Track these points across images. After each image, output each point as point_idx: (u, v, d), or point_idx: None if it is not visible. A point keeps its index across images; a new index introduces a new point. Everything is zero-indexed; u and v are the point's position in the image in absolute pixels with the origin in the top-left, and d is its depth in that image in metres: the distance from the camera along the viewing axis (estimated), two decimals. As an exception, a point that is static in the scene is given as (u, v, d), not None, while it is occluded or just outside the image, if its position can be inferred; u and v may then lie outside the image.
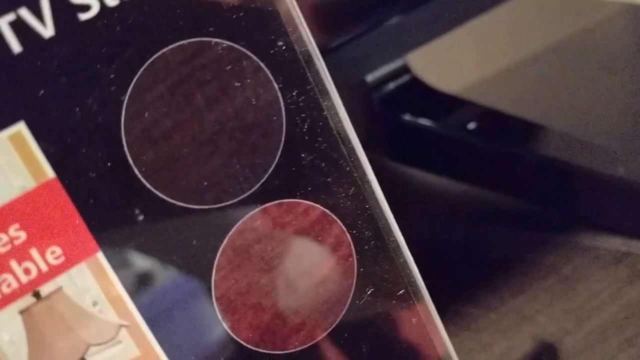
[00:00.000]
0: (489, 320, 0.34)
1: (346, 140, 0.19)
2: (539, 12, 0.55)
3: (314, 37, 0.19)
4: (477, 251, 0.38)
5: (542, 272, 0.35)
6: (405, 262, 0.21)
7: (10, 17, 0.15)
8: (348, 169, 0.19)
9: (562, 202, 0.39)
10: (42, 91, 0.16)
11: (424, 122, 0.42)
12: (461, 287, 0.36)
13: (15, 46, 0.15)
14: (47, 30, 0.16)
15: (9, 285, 0.16)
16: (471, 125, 0.41)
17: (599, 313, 0.32)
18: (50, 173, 0.16)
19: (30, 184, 0.16)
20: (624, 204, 0.36)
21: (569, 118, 0.43)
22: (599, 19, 0.54)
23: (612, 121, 0.43)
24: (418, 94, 0.44)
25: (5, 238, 0.16)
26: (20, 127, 0.16)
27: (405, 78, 0.44)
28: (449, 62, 0.49)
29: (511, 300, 0.34)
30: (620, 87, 0.46)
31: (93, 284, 0.17)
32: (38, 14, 0.15)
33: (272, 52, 0.18)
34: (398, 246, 0.20)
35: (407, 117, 0.43)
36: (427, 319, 0.22)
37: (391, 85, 0.44)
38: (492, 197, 0.41)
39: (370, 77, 0.43)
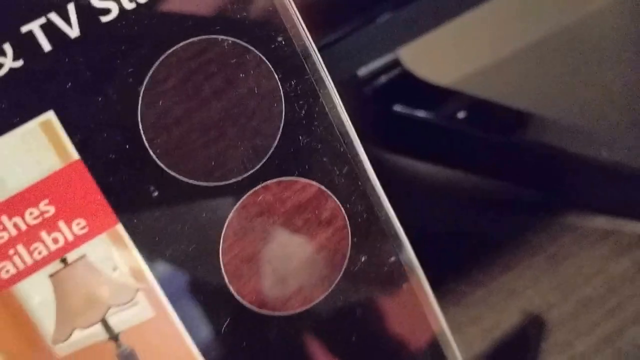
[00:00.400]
0: (479, 296, 0.35)
1: (340, 125, 0.21)
2: (526, 7, 0.56)
3: (310, 33, 0.21)
4: (468, 232, 0.39)
5: (529, 251, 0.36)
6: (397, 234, 0.23)
7: (42, 20, 0.17)
8: (342, 149, 0.21)
9: (549, 184, 0.40)
10: (69, 84, 0.18)
11: (415, 112, 0.43)
12: (453, 266, 0.37)
13: (46, 45, 0.17)
14: (73, 31, 0.18)
15: (39, 253, 0.18)
16: (461, 115, 0.42)
17: (583, 287, 0.34)
18: (75, 155, 0.18)
19: (57, 164, 0.18)
20: (608, 185, 0.38)
21: (556, 106, 0.45)
22: (588, 12, 0.55)
23: (597, 108, 0.44)
24: (409, 86, 0.45)
25: (36, 212, 0.18)
26: (50, 116, 0.18)
27: (396, 71, 0.45)
28: (439, 56, 0.49)
29: (500, 277, 0.36)
30: (606, 77, 0.48)
31: (113, 252, 0.19)
32: (65, 17, 0.17)
33: (272, 46, 0.20)
34: (389, 219, 0.22)
35: (398, 108, 0.44)
36: (419, 287, 0.23)
37: (383, 79, 0.45)
38: (481, 181, 0.42)
39: (362, 71, 0.43)
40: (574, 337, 0.32)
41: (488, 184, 0.42)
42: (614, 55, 0.51)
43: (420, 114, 0.43)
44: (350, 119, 0.22)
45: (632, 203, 0.37)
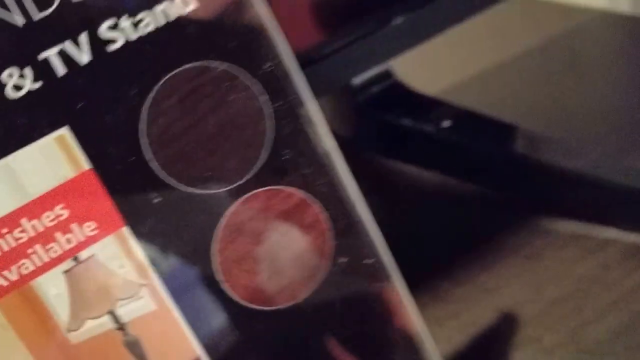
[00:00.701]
0: (458, 293, 0.37)
1: (321, 139, 0.23)
2: (509, 22, 0.57)
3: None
4: (449, 233, 0.41)
5: (505, 252, 0.38)
6: (374, 237, 0.25)
7: (58, 48, 0.20)
8: (323, 162, 0.23)
9: (524, 190, 0.42)
10: (82, 103, 0.20)
11: (403, 120, 0.45)
12: (434, 264, 0.39)
13: (60, 70, 0.20)
14: (84, 57, 0.20)
15: (55, 252, 0.21)
16: (445, 124, 0.43)
17: (552, 286, 0.36)
18: (86, 165, 0.20)
19: (71, 173, 0.20)
20: (578, 192, 0.39)
21: (533, 117, 0.46)
22: (571, 26, 0.57)
23: (571, 120, 0.45)
24: (399, 95, 0.46)
25: (52, 215, 0.20)
26: (64, 131, 0.20)
27: (388, 82, 0.47)
28: (428, 68, 0.51)
29: (478, 276, 0.37)
30: (584, 90, 0.49)
31: (119, 251, 0.21)
32: (78, 45, 0.20)
33: (260, 72, 0.22)
34: (367, 223, 0.24)
35: (389, 116, 0.45)
36: (396, 286, 0.26)
37: (375, 88, 0.46)
38: (463, 186, 0.44)
39: (356, 81, 0.45)
40: (543, 332, 0.34)
41: (470, 189, 0.44)
42: (591, 69, 0.53)
43: (408, 122, 0.44)
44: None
45: (598, 209, 0.39)
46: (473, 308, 0.36)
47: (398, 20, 0.38)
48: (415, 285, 0.27)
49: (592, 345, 0.33)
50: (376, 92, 0.46)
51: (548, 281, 0.37)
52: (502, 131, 0.43)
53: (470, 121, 0.44)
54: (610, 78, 0.51)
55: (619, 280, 0.37)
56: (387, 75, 0.47)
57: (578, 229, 0.40)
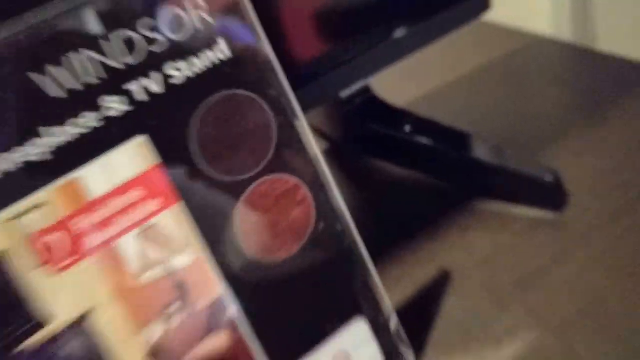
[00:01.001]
0: (409, 257, 0.43)
1: (310, 142, 0.32)
2: (466, 46, 0.63)
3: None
4: (408, 212, 0.47)
5: (446, 225, 0.45)
6: (343, 212, 0.33)
7: (139, 81, 0.29)
8: (310, 158, 0.32)
9: (463, 179, 0.48)
10: (153, 122, 0.29)
11: (378, 125, 0.51)
12: (394, 236, 0.45)
13: (143, 97, 0.28)
14: (157, 88, 0.29)
15: (131, 220, 0.29)
16: (407, 129, 0.49)
17: (480, 251, 0.43)
18: (156, 161, 0.29)
19: (145, 167, 0.29)
20: (498, 180, 0.46)
21: (476, 123, 0.53)
22: (514, 49, 0.64)
23: (505, 126, 0.53)
24: (375, 106, 0.52)
25: (131, 195, 0.29)
26: (142, 139, 0.28)
27: (367, 95, 0.52)
28: (398, 84, 0.57)
29: (425, 244, 0.44)
30: (523, 104, 0.56)
31: (174, 220, 0.30)
32: (152, 79, 0.29)
33: (269, 96, 0.31)
34: (339, 202, 0.33)
35: (367, 122, 0.51)
36: (359, 248, 0.34)
37: (357, 100, 0.52)
38: (419, 177, 0.50)
39: (343, 94, 0.50)
40: (471, 285, 0.41)
41: (423, 179, 0.50)
42: (528, 87, 0.60)
43: (381, 126, 0.50)
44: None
45: (513, 192, 0.46)
46: (419, 269, 0.43)
47: (375, 48, 0.44)
48: (377, 253, 0.33)
49: (503, 293, 0.41)
50: (358, 104, 0.52)
51: (476, 247, 0.44)
52: (450, 135, 0.50)
53: (426, 126, 0.50)
54: (544, 95, 0.58)
55: (526, 244, 0.44)
56: (366, 90, 0.53)
57: (498, 208, 0.47)
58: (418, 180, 0.51)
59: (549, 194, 0.46)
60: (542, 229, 0.44)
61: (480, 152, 0.48)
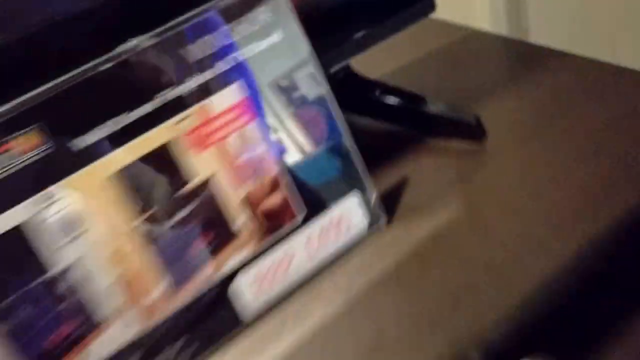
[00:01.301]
0: (383, 178, 0.62)
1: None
2: (420, 36, 0.79)
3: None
4: (380, 154, 0.66)
5: (410, 158, 0.65)
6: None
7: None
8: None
9: (417, 125, 0.69)
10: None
11: (359, 92, 0.69)
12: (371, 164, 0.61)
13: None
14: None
15: (225, 131, 0.53)
16: (378, 93, 0.69)
17: (427, 181, 0.61)
18: (247, 93, 0.53)
19: (240, 98, 0.54)
20: (445, 125, 0.67)
21: (425, 90, 0.71)
22: (456, 40, 0.82)
23: (447, 93, 0.73)
24: (355, 78, 0.71)
25: (229, 116, 0.53)
26: (237, 83, 0.54)
27: (348, 71, 0.71)
28: (372, 63, 0.73)
29: (390, 169, 0.64)
30: (457, 78, 0.76)
31: (251, 127, 0.55)
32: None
33: None
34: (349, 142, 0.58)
35: (351, 90, 0.69)
36: (358, 158, 0.59)
37: (341, 74, 0.69)
38: (390, 126, 0.70)
39: (334, 69, 0.66)
40: (415, 201, 0.60)
41: (391, 128, 0.70)
42: (467, 63, 0.79)
43: (360, 92, 0.69)
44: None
45: (448, 130, 0.67)
46: (388, 172, 0.63)
47: (356, 35, 0.62)
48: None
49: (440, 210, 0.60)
50: (342, 76, 0.71)
51: (421, 178, 0.64)
52: (406, 96, 0.69)
53: (390, 91, 0.70)
54: (480, 73, 0.78)
55: (455, 171, 0.63)
56: (347, 67, 0.72)
57: (443, 143, 0.67)
58: (386, 127, 0.69)
59: (472, 131, 0.66)
60: (467, 154, 0.64)
61: (427, 107, 0.67)
